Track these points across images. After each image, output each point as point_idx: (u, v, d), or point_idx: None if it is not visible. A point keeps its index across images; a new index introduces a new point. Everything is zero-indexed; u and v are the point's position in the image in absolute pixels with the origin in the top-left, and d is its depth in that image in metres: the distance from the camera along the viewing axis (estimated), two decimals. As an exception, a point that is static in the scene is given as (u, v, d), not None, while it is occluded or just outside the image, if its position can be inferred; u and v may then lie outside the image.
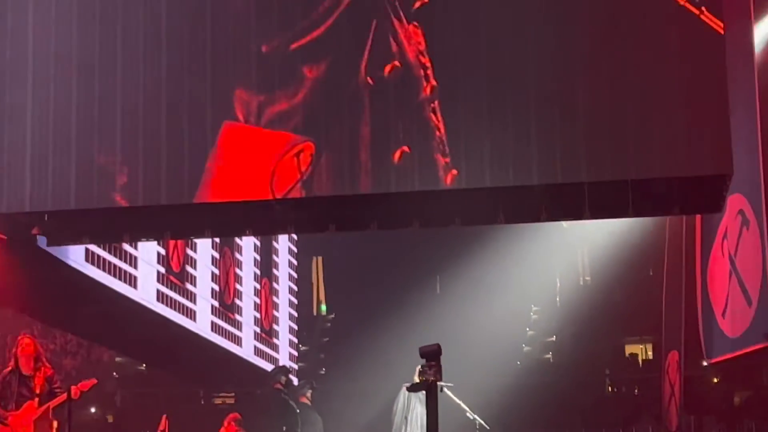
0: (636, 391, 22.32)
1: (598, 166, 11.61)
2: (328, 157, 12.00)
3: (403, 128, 11.94)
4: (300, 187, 12.01)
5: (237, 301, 19.54)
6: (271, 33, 12.17)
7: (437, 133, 11.88)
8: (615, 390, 22.80)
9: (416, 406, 13.89)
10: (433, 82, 11.96)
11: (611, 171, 11.66)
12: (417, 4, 12.06)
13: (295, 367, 22.76)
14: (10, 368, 12.05)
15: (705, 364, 16.18)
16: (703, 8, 11.35)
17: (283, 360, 21.86)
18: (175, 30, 12.28)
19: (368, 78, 12.02)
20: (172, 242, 16.53)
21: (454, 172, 11.80)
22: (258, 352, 20.56)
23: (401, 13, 12.02)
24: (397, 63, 12.03)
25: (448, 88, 11.92)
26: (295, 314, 23.12)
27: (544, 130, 11.69)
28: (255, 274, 20.49)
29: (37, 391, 11.94)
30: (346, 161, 11.98)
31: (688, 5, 11.38)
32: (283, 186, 12.03)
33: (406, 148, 11.90)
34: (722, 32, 11.30)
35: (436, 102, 11.92)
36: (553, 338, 23.60)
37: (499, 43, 11.83)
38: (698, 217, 14.40)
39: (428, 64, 11.97)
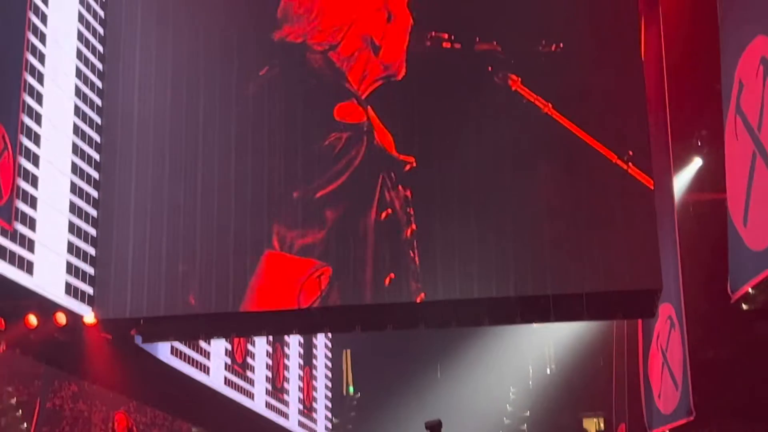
0: (592, 455, 21.89)
1: (561, 282, 11.62)
2: (340, 278, 11.99)
3: (391, 259, 11.96)
4: (320, 300, 12.00)
5: (285, 385, 19.35)
6: (297, 182, 12.24)
7: (413, 265, 11.88)
8: (575, 454, 22.38)
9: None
10: (414, 227, 12.00)
11: (571, 286, 11.64)
12: (407, 167, 12.13)
13: (330, 436, 22.54)
14: (109, 438, 11.92)
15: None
16: (630, 164, 11.49)
17: (320, 431, 21.59)
18: (223, 173, 12.37)
19: (373, 220, 12.05)
20: (236, 339, 16.40)
21: (422, 295, 11.83)
22: (301, 424, 20.30)
23: (393, 174, 12.08)
24: (389, 210, 12.07)
25: (426, 230, 11.98)
26: (330, 394, 22.86)
27: (521, 257, 11.69)
28: (299, 363, 20.30)
29: (130, 454, 11.77)
30: (352, 281, 11.97)
31: (620, 162, 11.53)
32: (308, 299, 12.02)
33: (392, 275, 11.91)
34: (651, 187, 11.48)
35: (415, 242, 11.94)
36: (527, 413, 23.28)
37: (471, 197, 11.89)
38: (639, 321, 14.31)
39: (411, 212, 12.02)
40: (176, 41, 12.67)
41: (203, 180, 12.33)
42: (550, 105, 11.87)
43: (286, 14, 12.69)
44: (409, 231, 12.01)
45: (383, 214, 12.10)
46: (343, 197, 12.16)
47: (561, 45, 12.00)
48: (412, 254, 11.95)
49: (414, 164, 12.10)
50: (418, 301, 11.84)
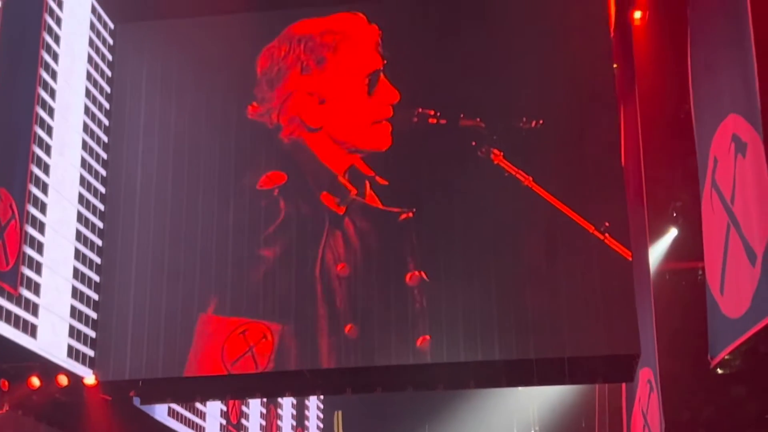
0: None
1: (543, 347, 11.74)
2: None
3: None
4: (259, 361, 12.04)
5: (279, 445, 19.36)
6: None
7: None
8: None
9: None
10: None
11: (553, 351, 11.77)
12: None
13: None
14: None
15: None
16: (606, 235, 11.70)
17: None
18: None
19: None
20: (231, 401, 16.42)
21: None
22: (293, 482, 20.27)
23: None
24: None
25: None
26: (321, 454, 22.82)
27: (505, 322, 11.79)
28: (292, 424, 20.28)
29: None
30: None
31: (597, 233, 11.74)
32: (264, 361, 12.06)
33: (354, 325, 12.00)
34: (629, 258, 11.65)
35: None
36: (513, 473, 23.24)
37: (456, 263, 11.96)
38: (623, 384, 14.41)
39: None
40: (179, 116, 12.94)
41: (202, 246, 12.45)
42: (531, 178, 12.10)
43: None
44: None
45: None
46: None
47: (541, 121, 12.27)
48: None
49: None
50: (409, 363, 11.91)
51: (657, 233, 13.09)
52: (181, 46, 13.08)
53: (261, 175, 12.60)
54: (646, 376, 12.46)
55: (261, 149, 12.71)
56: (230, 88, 12.91)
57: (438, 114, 12.49)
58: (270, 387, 13.07)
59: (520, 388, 18.74)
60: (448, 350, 11.91)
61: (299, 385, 12.89)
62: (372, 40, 12.79)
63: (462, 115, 12.44)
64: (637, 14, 12.71)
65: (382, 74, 12.68)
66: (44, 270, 11.32)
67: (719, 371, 12.56)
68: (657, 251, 13.15)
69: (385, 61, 12.71)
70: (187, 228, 12.56)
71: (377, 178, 12.40)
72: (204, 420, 15.60)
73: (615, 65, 12.63)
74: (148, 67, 13.07)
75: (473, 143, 12.34)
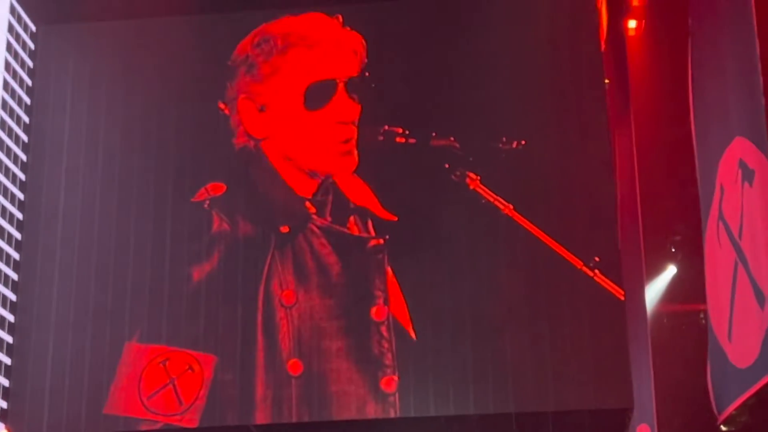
0: None
1: (524, 400, 10.93)
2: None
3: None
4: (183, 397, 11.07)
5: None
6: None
7: None
8: None
9: None
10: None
11: (535, 404, 10.96)
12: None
13: None
14: None
15: None
16: (596, 271, 11.01)
17: None
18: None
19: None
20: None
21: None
22: None
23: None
24: None
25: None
26: None
27: (481, 370, 10.97)
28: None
29: None
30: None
31: (585, 269, 11.03)
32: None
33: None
34: (622, 297, 10.97)
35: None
36: None
37: (424, 302, 11.19)
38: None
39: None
40: (109, 132, 12.00)
41: (134, 273, 11.50)
42: (511, 206, 11.33)
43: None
44: None
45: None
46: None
47: (523, 142, 11.49)
48: None
49: None
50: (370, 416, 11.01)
51: (654, 271, 12.32)
52: (114, 52, 12.22)
53: (202, 187, 11.75)
54: (646, 433, 11.76)
55: (209, 159, 11.87)
56: (176, 92, 12.05)
57: (407, 132, 11.64)
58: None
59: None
60: (416, 403, 10.99)
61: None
62: (344, 45, 12.00)
63: (434, 134, 11.59)
64: (632, 23, 12.17)
65: (341, 84, 11.84)
66: (-51, 309, 10.39)
67: (723, 429, 11.80)
68: (653, 291, 12.34)
69: (352, 71, 11.89)
70: (117, 254, 11.59)
71: (343, 197, 11.56)
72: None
73: (607, 81, 11.91)
74: (74, 75, 12.17)
75: (446, 165, 11.49)
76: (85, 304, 11.46)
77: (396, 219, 11.38)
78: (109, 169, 11.90)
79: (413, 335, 11.12)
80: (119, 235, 11.66)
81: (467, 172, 11.44)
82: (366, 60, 11.92)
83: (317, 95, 11.86)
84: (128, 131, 12.01)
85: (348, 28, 12.06)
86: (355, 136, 11.74)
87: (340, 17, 12.07)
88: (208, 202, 11.67)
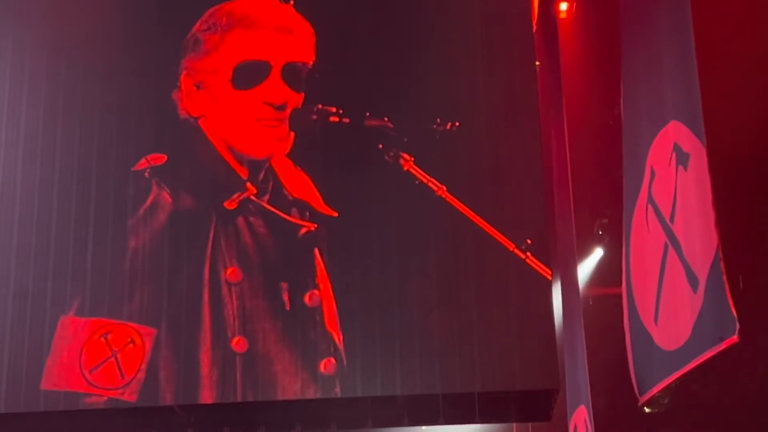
0: None
1: (451, 381, 10.80)
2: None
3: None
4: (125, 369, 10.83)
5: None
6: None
7: None
8: None
9: None
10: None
11: (461, 385, 10.82)
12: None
13: None
14: None
15: None
16: (528, 254, 10.85)
17: None
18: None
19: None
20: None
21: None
22: None
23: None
24: None
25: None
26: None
27: (408, 352, 10.84)
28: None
29: None
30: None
31: (517, 251, 10.87)
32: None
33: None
34: (549, 278, 10.84)
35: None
36: None
37: (351, 285, 11.08)
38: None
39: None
40: (31, 104, 11.57)
41: (71, 256, 11.11)
42: (444, 188, 11.13)
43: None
44: None
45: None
46: None
47: (457, 124, 11.29)
48: None
49: None
50: (292, 399, 10.81)
51: (584, 253, 12.43)
52: (43, 15, 11.71)
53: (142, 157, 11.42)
54: (582, 415, 11.48)
55: (154, 132, 11.57)
56: (130, 64, 11.72)
57: (341, 112, 11.40)
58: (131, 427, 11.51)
59: (423, 428, 17.85)
60: (343, 384, 10.85)
61: (162, 425, 11.40)
62: (288, 30, 11.73)
63: (368, 114, 11.36)
64: (563, 6, 12.21)
65: (276, 68, 11.56)
66: None
67: (646, 410, 11.93)
68: (582, 274, 12.36)
69: (293, 56, 11.64)
70: (57, 225, 11.21)
71: (279, 179, 11.34)
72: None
73: (538, 63, 11.80)
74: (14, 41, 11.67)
75: (380, 146, 11.29)
76: (5, 281, 11.05)
77: (336, 215, 11.19)
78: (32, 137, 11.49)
79: (341, 318, 10.95)
80: (59, 204, 11.23)
81: (401, 153, 11.26)
82: (312, 47, 11.66)
83: (247, 75, 11.58)
84: (53, 101, 11.57)
85: (299, 15, 11.76)
86: (287, 119, 11.48)
87: (292, 2, 11.80)
88: (148, 171, 11.38)
